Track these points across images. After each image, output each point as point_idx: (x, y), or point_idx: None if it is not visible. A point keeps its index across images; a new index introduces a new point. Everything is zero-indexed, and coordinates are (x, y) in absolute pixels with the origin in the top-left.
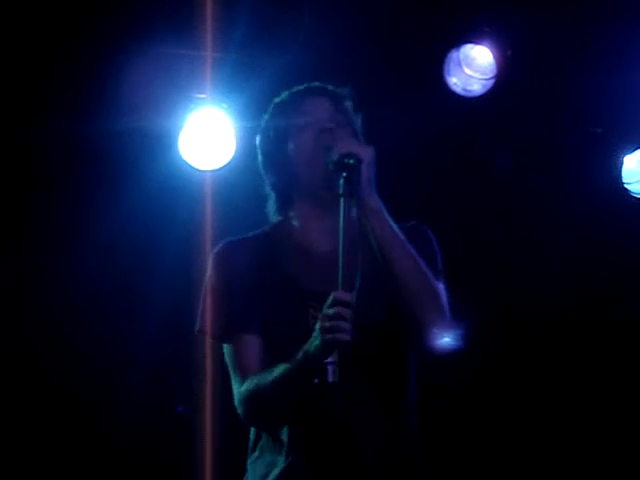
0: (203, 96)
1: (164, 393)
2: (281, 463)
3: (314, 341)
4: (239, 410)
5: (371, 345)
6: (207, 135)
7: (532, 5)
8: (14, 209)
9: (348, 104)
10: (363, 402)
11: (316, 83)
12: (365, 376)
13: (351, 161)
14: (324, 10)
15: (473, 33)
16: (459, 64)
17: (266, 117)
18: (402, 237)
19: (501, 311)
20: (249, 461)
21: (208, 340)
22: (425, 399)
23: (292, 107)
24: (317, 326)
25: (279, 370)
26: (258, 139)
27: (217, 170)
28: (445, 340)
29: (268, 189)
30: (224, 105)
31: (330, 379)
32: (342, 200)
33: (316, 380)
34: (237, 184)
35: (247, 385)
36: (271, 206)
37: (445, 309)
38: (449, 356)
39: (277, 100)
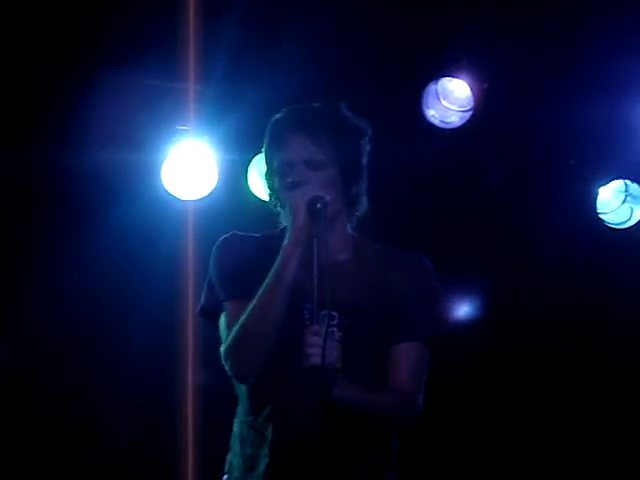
0: (185, 128)
1: (146, 416)
2: (264, 457)
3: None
4: (227, 363)
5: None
6: (189, 166)
7: (508, 39)
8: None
9: (335, 127)
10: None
11: (297, 109)
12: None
13: (318, 205)
14: (304, 43)
15: (450, 66)
16: (437, 97)
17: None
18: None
19: (471, 335)
20: (230, 454)
21: (196, 334)
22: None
23: (273, 144)
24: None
25: (258, 294)
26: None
27: (199, 200)
28: None
29: (272, 205)
30: (206, 137)
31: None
32: (315, 241)
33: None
34: (219, 214)
35: (230, 335)
36: (283, 216)
37: (414, 414)
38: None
39: (269, 124)
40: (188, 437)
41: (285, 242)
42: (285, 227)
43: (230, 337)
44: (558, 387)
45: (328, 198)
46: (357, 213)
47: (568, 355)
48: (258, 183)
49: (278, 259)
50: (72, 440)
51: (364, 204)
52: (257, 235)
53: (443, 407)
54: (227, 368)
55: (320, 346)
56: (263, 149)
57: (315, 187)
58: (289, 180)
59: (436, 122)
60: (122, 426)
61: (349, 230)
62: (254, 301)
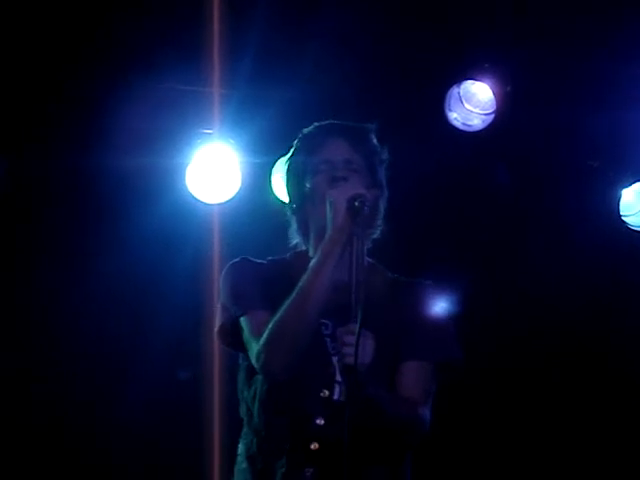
0: (210, 131)
1: (169, 423)
2: (281, 468)
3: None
4: (260, 360)
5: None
6: (214, 169)
7: (531, 42)
8: (23, 240)
9: (370, 142)
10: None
11: (337, 122)
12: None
13: (356, 203)
14: (329, 47)
15: (473, 69)
16: (460, 100)
17: (293, 147)
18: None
19: (494, 338)
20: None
21: (221, 346)
22: None
23: (312, 147)
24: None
25: (295, 291)
26: (285, 166)
27: (223, 203)
28: None
29: (289, 214)
30: (231, 140)
31: (336, 397)
32: (355, 239)
33: (325, 393)
34: (243, 217)
35: (265, 332)
36: (292, 232)
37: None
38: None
39: (303, 133)
40: (214, 447)
41: (325, 240)
42: (295, 252)
43: (265, 335)
44: (579, 392)
45: (368, 196)
46: (373, 236)
47: (589, 358)
48: (282, 187)
49: (315, 258)
50: (90, 446)
51: (380, 226)
52: (265, 261)
53: (455, 422)
54: (259, 366)
55: (353, 345)
56: (291, 152)
57: (355, 185)
58: (333, 175)
59: (458, 125)
60: (143, 431)
61: (365, 254)
62: (290, 299)
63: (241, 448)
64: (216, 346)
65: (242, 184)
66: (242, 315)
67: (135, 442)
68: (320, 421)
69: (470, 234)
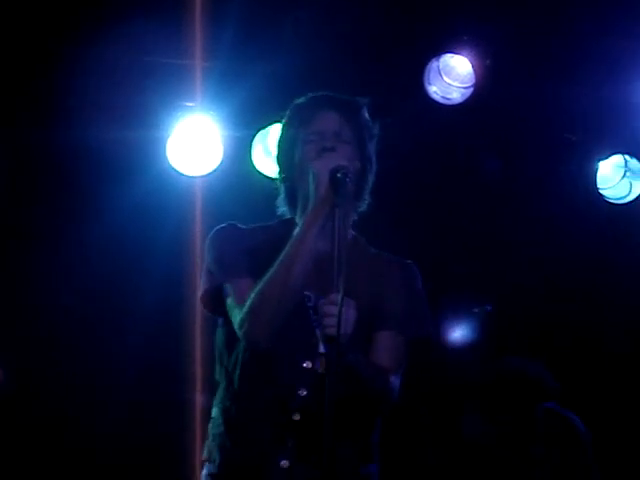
0: (192, 104)
1: (150, 399)
2: (262, 436)
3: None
4: (243, 328)
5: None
6: (195, 142)
7: (510, 16)
8: (4, 215)
9: (361, 116)
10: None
11: (330, 93)
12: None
13: (339, 175)
14: (309, 21)
15: (452, 43)
16: (439, 73)
17: (286, 116)
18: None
19: (475, 310)
20: (209, 441)
21: (203, 311)
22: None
23: (303, 118)
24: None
25: (277, 262)
26: (279, 133)
27: (205, 176)
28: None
29: (278, 182)
30: (212, 113)
31: (318, 368)
32: (337, 210)
33: (308, 364)
34: (225, 189)
35: (248, 300)
36: (281, 200)
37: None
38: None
39: (295, 103)
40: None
41: (307, 211)
42: (282, 219)
43: (248, 303)
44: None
45: (351, 168)
46: (359, 208)
47: (569, 332)
48: (262, 159)
49: (298, 228)
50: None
51: (367, 200)
52: (252, 226)
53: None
54: (242, 334)
55: (335, 315)
56: (283, 122)
57: (339, 157)
58: (322, 145)
59: (438, 98)
60: (125, 404)
61: (350, 227)
62: (273, 268)
63: (217, 412)
64: (198, 319)
65: (224, 157)
66: (226, 282)
67: (119, 412)
68: (302, 392)
69: (448, 208)
